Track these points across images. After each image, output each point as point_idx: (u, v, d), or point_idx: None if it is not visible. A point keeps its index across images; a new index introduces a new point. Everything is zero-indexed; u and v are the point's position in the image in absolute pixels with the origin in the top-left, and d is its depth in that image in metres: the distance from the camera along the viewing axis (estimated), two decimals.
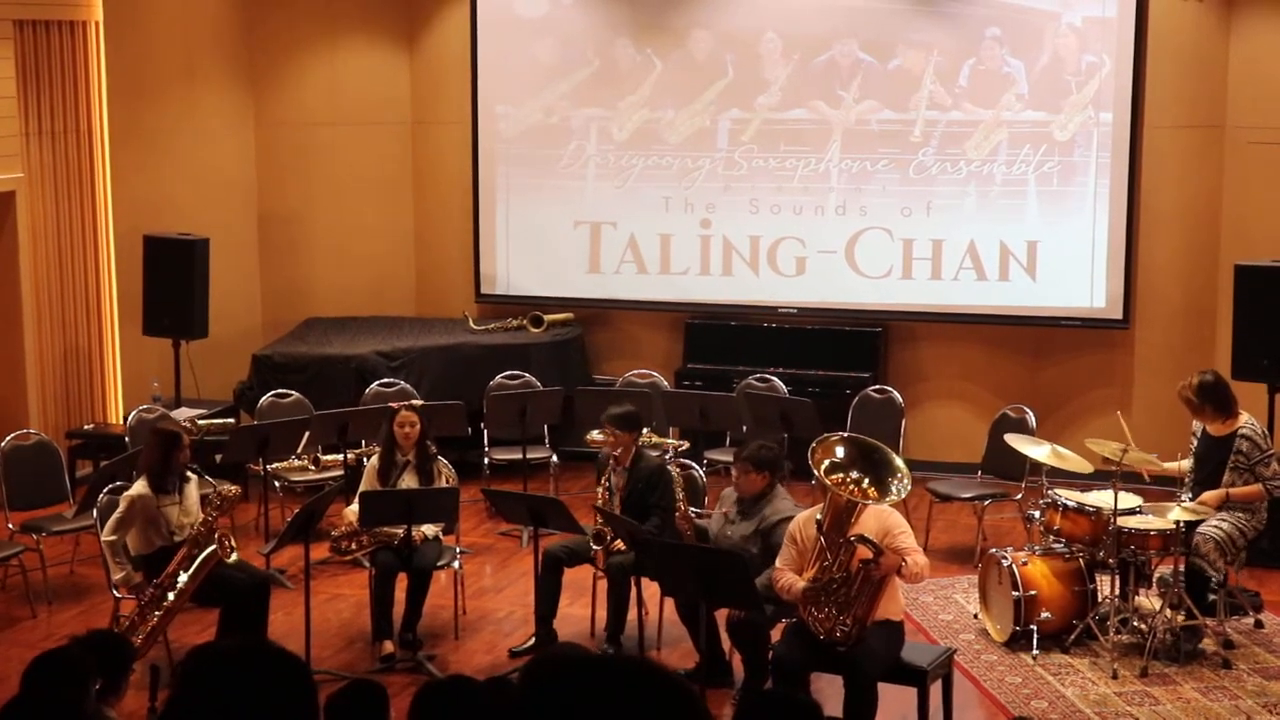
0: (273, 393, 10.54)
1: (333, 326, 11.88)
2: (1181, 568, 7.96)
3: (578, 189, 11.93)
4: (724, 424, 10.42)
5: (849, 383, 11.02)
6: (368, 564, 8.37)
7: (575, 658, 4.14)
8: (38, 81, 10.55)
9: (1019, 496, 9.64)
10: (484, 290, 12.16)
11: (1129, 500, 8.09)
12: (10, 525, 9.01)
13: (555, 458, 10.68)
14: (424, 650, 8.10)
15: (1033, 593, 8.07)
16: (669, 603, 7.87)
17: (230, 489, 8.00)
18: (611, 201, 11.85)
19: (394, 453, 8.45)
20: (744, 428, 10.11)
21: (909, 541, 6.85)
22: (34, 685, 4.72)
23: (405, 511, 8.03)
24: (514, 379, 11.01)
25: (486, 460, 10.58)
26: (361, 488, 8.38)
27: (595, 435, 9.31)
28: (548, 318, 11.79)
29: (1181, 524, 7.89)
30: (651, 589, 7.93)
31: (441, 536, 8.44)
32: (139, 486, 7.83)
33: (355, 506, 8.23)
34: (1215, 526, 8.09)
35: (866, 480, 6.78)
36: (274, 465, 9.73)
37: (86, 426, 10.83)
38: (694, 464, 8.80)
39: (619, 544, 8.01)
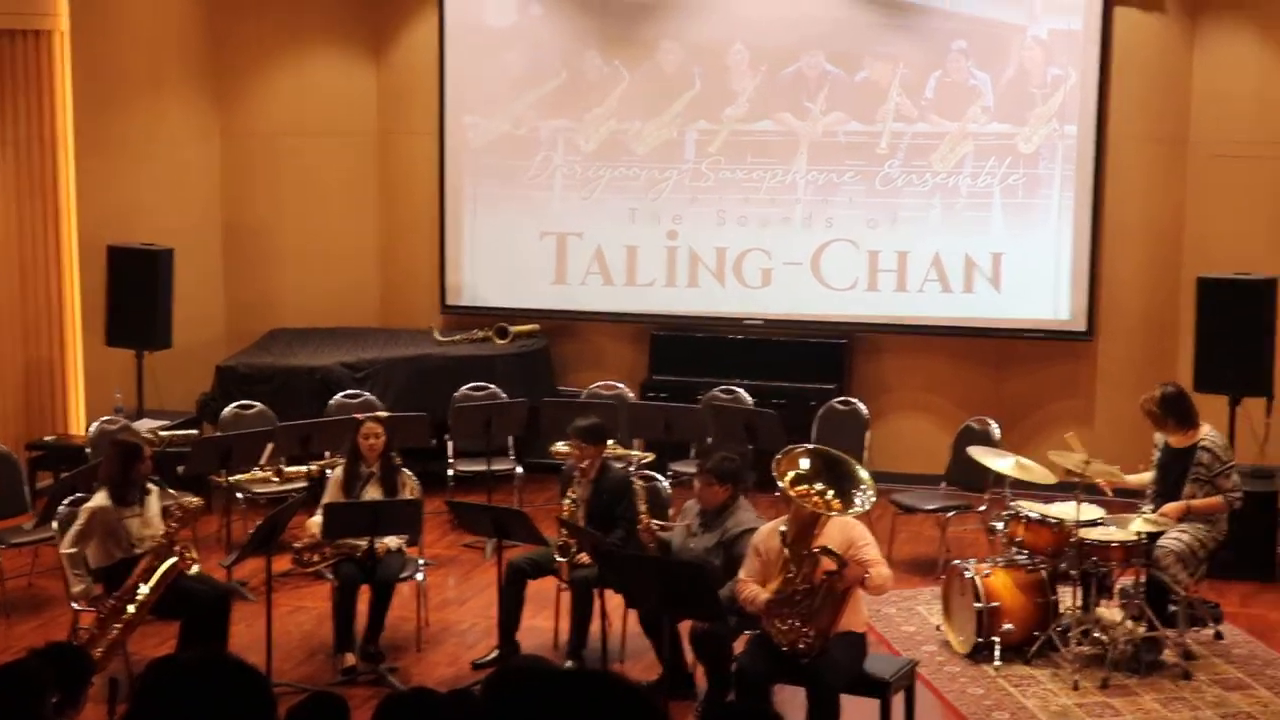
0: (236, 404, 10.49)
1: (297, 337, 11.83)
2: (1143, 579, 7.99)
3: (544, 200, 11.92)
4: (689, 436, 10.41)
5: (814, 394, 11.01)
6: (330, 576, 8.33)
7: (538, 670, 4.14)
8: (1, 90, 10.48)
9: (982, 508, 9.67)
10: (450, 301, 12.13)
11: (1091, 512, 8.13)
12: None
13: (520, 469, 10.65)
14: (386, 663, 8.07)
15: (995, 604, 8.09)
16: (632, 614, 7.85)
17: (192, 500, 7.97)
18: (578, 213, 11.85)
19: (358, 464, 8.43)
20: (709, 439, 10.11)
21: (873, 553, 6.86)
22: None
23: (370, 523, 8.02)
24: (479, 390, 10.98)
25: (451, 472, 10.55)
26: (325, 499, 8.36)
27: (560, 447, 9.30)
28: (513, 329, 11.77)
29: (1144, 535, 7.93)
30: (615, 601, 7.91)
31: (405, 548, 8.42)
32: (99, 498, 7.78)
33: (318, 518, 8.21)
34: (1175, 539, 8.12)
35: (831, 492, 6.78)
36: (237, 477, 9.68)
37: (47, 438, 10.73)
38: (658, 476, 8.78)
39: (583, 556, 8.00)
